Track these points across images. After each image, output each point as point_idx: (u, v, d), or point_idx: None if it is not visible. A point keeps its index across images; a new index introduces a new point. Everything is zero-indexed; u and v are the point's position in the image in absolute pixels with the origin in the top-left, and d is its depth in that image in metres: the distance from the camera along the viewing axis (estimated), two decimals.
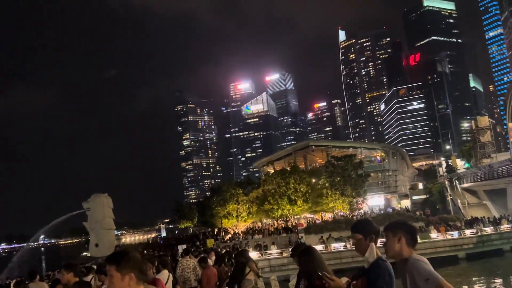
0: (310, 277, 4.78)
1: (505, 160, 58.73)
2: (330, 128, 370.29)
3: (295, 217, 61.58)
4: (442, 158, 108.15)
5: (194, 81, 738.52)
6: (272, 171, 72.54)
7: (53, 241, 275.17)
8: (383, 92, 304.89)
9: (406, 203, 78.39)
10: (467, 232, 47.21)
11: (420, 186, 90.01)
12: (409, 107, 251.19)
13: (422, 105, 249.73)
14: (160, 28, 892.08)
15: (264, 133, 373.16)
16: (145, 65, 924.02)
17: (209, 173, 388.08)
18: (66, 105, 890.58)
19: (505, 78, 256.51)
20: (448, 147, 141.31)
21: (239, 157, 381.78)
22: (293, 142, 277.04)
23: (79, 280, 7.23)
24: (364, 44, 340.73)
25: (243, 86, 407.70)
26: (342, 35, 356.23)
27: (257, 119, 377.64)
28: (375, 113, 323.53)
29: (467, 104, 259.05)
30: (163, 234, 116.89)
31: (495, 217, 53.12)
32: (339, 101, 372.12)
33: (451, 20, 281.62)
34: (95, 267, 12.91)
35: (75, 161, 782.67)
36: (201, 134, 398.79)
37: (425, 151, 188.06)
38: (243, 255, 11.24)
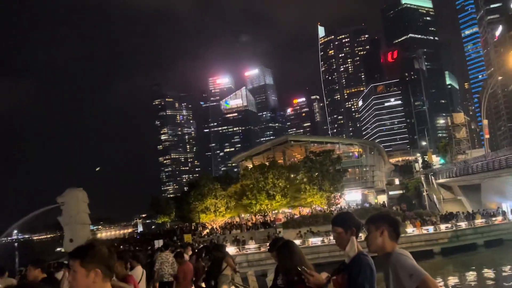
0: (289, 272, 4.60)
1: (480, 156, 59.88)
2: (309, 123, 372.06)
3: (273, 212, 61.64)
4: (418, 154, 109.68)
5: (173, 75, 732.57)
6: (251, 166, 72.41)
7: (26, 236, 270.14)
8: (361, 89, 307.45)
9: (383, 198, 79.23)
10: (442, 227, 48.00)
11: (397, 181, 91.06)
12: (386, 104, 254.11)
13: (399, 102, 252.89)
14: (138, 22, 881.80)
15: (243, 128, 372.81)
16: (123, 59, 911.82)
17: (187, 168, 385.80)
18: (40, 98, 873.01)
19: (480, 76, 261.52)
20: (424, 143, 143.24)
21: (218, 152, 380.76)
22: (272, 137, 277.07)
23: (47, 277, 6.94)
24: (343, 41, 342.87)
25: (222, 80, 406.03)
26: (321, 31, 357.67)
27: (236, 114, 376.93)
28: (353, 109, 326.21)
29: (443, 101, 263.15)
30: (140, 229, 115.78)
31: (469, 212, 54.06)
32: (317, 97, 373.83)
33: (428, 18, 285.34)
34: (66, 262, 12.56)
35: (50, 155, 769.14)
36: (179, 129, 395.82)
37: (402, 147, 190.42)
38: (220, 250, 11.07)
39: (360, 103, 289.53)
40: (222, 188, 60.36)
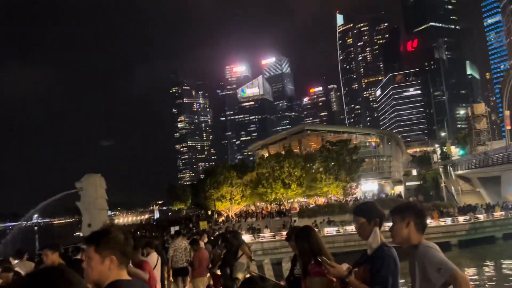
0: (307, 261, 4.48)
1: (500, 147, 58.85)
2: (326, 113, 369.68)
3: (288, 201, 61.57)
4: (437, 145, 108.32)
5: (190, 63, 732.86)
6: (267, 154, 72.29)
7: (46, 220, 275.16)
8: (380, 78, 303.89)
9: (399, 189, 78.52)
10: (460, 219, 47.36)
11: (414, 172, 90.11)
12: (405, 93, 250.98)
13: (418, 92, 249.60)
14: (158, 11, 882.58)
15: (259, 117, 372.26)
16: (142, 47, 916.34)
17: (204, 156, 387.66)
18: (62, 84, 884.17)
19: (501, 66, 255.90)
20: (443, 134, 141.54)
21: (234, 140, 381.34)
22: (288, 126, 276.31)
23: (66, 262, 6.91)
24: (362, 29, 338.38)
25: (239, 69, 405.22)
26: (339, 19, 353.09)
27: (252, 103, 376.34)
28: (371, 99, 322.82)
29: (463, 92, 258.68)
30: (156, 215, 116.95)
31: (488, 204, 53.26)
32: (335, 86, 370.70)
33: (449, 6, 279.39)
34: (83, 247, 12.63)
35: (70, 141, 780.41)
36: (196, 117, 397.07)
37: (420, 137, 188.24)
38: (236, 237, 11.01)
39: (378, 92, 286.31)
40: (238, 177, 60.45)
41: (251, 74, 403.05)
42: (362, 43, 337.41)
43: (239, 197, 58.30)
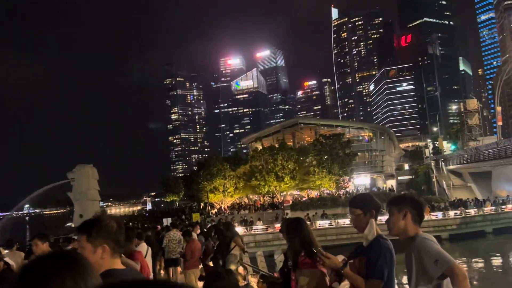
0: (297, 253, 4.45)
1: (492, 143, 59.21)
2: (319, 106, 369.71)
3: (281, 193, 61.67)
4: (429, 140, 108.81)
5: (184, 55, 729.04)
6: (260, 147, 72.28)
7: (37, 210, 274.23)
8: (373, 72, 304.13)
9: (391, 183, 78.92)
10: (451, 213, 47.72)
11: (406, 167, 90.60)
12: (398, 88, 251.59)
13: (411, 87, 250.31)
14: (153, 2, 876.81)
15: (253, 109, 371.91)
16: (137, 38, 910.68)
17: (197, 148, 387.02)
18: (52, 75, 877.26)
19: (494, 63, 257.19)
20: (435, 129, 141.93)
21: (228, 133, 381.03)
22: (282, 119, 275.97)
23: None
24: (356, 23, 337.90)
25: (233, 61, 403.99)
26: (334, 13, 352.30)
27: (246, 95, 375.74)
28: (364, 93, 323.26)
29: (455, 87, 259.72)
30: (149, 207, 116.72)
31: (479, 199, 53.68)
32: (329, 80, 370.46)
33: (443, 2, 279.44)
34: (75, 237, 12.56)
35: (62, 131, 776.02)
36: (190, 109, 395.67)
37: (412, 132, 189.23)
38: (229, 229, 10.98)
39: (372, 87, 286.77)
40: (231, 169, 60.42)
41: (245, 66, 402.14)
42: (356, 37, 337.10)
43: (232, 190, 58.31)
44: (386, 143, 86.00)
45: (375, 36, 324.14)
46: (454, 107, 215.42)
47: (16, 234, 56.07)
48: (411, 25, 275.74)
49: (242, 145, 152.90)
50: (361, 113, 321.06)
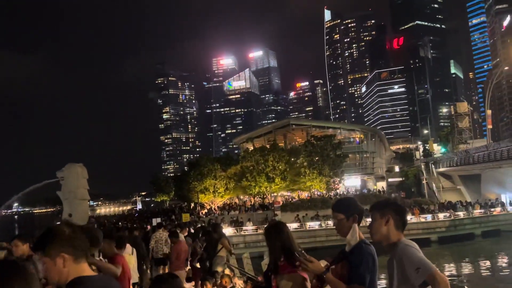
0: (278, 258, 4.35)
1: (481, 146, 59.53)
2: (311, 108, 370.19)
3: (272, 194, 61.63)
4: (420, 142, 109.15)
5: (177, 54, 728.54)
6: (252, 148, 72.22)
7: (27, 209, 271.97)
8: (365, 75, 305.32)
9: (382, 185, 79.21)
10: (441, 215, 47.97)
11: (397, 169, 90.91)
12: (389, 90, 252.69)
13: (403, 89, 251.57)
14: (146, 2, 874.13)
15: (245, 110, 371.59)
16: (130, 38, 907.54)
17: (188, 147, 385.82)
18: (49, 73, 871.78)
19: (485, 66, 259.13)
20: (425, 131, 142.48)
21: (219, 133, 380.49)
22: (274, 120, 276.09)
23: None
24: (349, 25, 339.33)
25: (226, 61, 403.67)
26: (327, 15, 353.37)
27: (238, 96, 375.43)
28: (356, 95, 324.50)
29: (446, 90, 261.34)
30: (139, 206, 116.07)
31: (468, 202, 53.97)
32: (321, 81, 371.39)
33: (436, 5, 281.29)
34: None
35: (53, 129, 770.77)
36: (182, 108, 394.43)
37: (403, 134, 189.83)
38: (216, 231, 10.89)
39: (364, 89, 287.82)
40: (222, 169, 60.28)
41: (238, 67, 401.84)
42: (349, 39, 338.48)
43: (222, 190, 58.14)
44: (377, 145, 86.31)
45: (367, 38, 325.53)
46: (444, 110, 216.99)
47: (4, 233, 55.48)
48: (403, 27, 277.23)
49: (234, 146, 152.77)
50: (353, 114, 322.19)
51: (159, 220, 32.56)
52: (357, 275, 3.43)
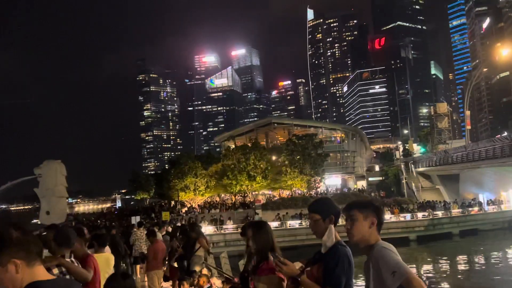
0: (261, 259, 4.23)
1: (460, 146, 60.36)
2: (293, 107, 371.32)
3: (253, 193, 61.59)
4: (400, 142, 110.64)
5: (158, 51, 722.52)
6: (233, 146, 72.06)
7: (3, 206, 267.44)
8: (347, 74, 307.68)
9: (362, 184, 79.79)
10: (419, 215, 48.54)
11: (377, 168, 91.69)
12: (371, 90, 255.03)
13: (384, 89, 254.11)
14: None
15: (227, 108, 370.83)
16: (110, 33, 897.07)
17: (169, 145, 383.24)
18: (24, 69, 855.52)
19: (464, 67, 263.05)
20: (406, 131, 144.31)
21: (201, 131, 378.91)
22: (256, 119, 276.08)
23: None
24: (332, 25, 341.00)
25: (208, 59, 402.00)
26: (310, 14, 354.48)
27: (220, 94, 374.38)
28: (337, 95, 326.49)
29: (426, 91, 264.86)
30: (119, 204, 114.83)
31: (446, 201, 54.70)
32: (303, 80, 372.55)
33: (417, 7, 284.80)
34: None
35: (29, 125, 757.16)
36: (163, 106, 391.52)
37: (384, 134, 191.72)
38: (194, 230, 10.74)
39: (345, 88, 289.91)
40: (203, 167, 59.98)
41: (220, 64, 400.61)
42: (331, 39, 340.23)
43: (203, 188, 57.87)
44: (358, 144, 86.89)
45: (349, 38, 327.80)
46: (424, 110, 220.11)
47: None
48: (384, 28, 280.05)
49: (215, 144, 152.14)
50: (334, 114, 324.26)
51: (138, 218, 32.26)
52: (332, 278, 3.34)
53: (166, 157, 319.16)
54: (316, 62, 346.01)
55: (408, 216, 48.00)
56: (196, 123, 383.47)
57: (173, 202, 67.03)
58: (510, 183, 52.01)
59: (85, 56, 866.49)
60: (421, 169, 69.10)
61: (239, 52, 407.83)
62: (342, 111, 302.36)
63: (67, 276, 4.40)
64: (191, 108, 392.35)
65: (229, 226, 45.12)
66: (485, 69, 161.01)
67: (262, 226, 4.53)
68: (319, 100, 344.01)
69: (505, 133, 67.92)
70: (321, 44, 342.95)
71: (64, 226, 6.81)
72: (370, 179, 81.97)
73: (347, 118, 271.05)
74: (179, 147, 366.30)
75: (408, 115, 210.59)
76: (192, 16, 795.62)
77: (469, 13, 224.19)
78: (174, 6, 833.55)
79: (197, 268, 10.02)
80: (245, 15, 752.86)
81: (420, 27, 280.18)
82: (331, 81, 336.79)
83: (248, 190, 58.80)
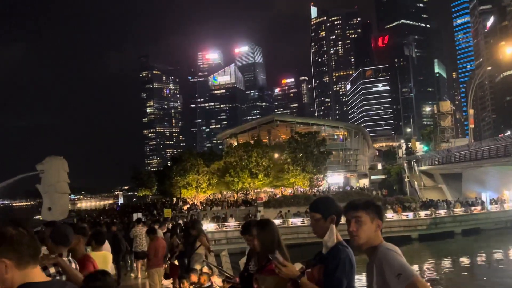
0: (266, 251, 4.08)
1: (463, 145, 60.09)
2: (296, 104, 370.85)
3: (255, 190, 61.54)
4: (402, 141, 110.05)
5: (162, 48, 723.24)
6: (236, 143, 71.98)
7: (6, 202, 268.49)
8: (350, 72, 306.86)
9: (364, 182, 79.59)
10: (422, 213, 48.35)
11: (379, 166, 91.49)
12: (374, 89, 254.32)
13: (387, 88, 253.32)
14: None
15: (230, 105, 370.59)
16: (114, 30, 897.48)
17: (172, 142, 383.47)
18: (29, 64, 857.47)
19: (468, 66, 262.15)
20: (408, 130, 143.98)
21: (204, 128, 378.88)
22: (258, 116, 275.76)
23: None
24: (335, 23, 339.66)
25: (211, 56, 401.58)
26: (313, 11, 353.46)
27: (223, 91, 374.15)
28: (341, 93, 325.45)
29: (430, 89, 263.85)
30: (121, 201, 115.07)
31: (449, 200, 54.47)
32: (306, 78, 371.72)
33: (421, 5, 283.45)
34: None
35: (33, 121, 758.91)
36: (166, 102, 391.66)
37: (386, 132, 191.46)
38: (195, 227, 10.65)
39: (348, 86, 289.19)
40: (205, 165, 59.93)
41: (223, 62, 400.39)
42: (334, 36, 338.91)
43: (205, 185, 57.87)
44: (361, 142, 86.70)
45: (353, 36, 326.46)
46: (427, 108, 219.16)
47: None
48: (388, 26, 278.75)
49: (218, 141, 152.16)
50: (337, 112, 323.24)
51: (139, 215, 32.23)
52: (333, 280, 3.23)
53: (168, 154, 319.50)
54: (319, 60, 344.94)
55: (410, 215, 47.80)
56: (199, 120, 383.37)
57: (175, 199, 67.05)
58: None
59: (88, 53, 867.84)
60: (423, 167, 68.84)
61: (242, 49, 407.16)
62: (345, 109, 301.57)
63: (63, 277, 4.32)
64: (194, 105, 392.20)
65: (231, 224, 45.06)
66: (489, 68, 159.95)
67: (267, 224, 4.42)
68: (322, 98, 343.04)
69: (508, 132, 67.60)
70: (324, 42, 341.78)
71: (62, 224, 6.68)
72: (372, 177, 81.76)
73: (350, 116, 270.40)
74: (181, 144, 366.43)
75: (411, 113, 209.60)
76: (196, 14, 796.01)
77: (473, 11, 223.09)
78: (178, 4, 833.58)
79: (198, 266, 9.94)
80: (249, 12, 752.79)
81: (423, 25, 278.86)
82: (334, 79, 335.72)
83: (250, 187, 58.74)
